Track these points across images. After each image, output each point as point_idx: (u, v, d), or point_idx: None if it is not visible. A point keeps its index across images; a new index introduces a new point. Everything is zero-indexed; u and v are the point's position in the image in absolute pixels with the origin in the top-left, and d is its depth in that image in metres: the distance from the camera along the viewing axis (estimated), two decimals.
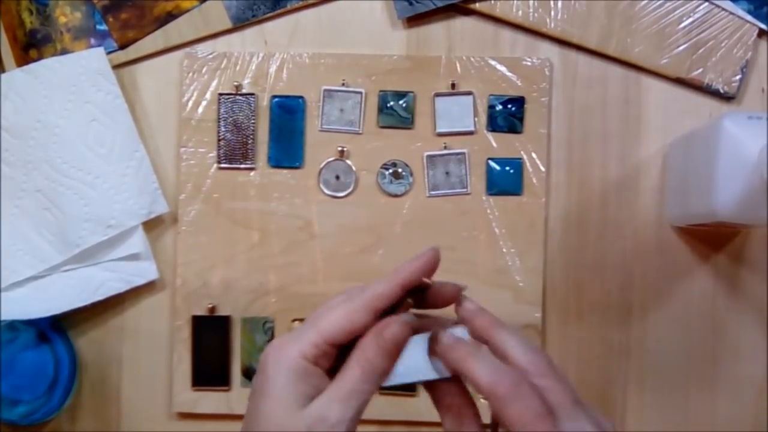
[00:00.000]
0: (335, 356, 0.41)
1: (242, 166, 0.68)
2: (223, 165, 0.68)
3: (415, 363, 0.40)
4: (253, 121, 0.68)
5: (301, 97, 0.68)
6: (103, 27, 0.69)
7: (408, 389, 0.67)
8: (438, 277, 0.67)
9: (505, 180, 0.67)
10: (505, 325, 0.41)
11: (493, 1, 0.67)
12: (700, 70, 0.66)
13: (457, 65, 0.67)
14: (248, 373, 0.68)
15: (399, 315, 0.41)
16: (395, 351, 0.40)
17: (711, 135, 0.56)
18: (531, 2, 0.67)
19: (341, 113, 0.68)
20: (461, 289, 0.43)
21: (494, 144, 0.67)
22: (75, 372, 0.68)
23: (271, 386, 0.39)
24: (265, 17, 0.69)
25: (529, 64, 0.67)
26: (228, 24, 0.69)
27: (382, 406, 0.67)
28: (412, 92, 0.68)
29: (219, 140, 0.68)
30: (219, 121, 0.68)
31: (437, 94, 0.67)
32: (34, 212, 0.68)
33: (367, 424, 0.67)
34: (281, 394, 0.39)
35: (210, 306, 0.68)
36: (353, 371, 0.39)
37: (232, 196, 0.68)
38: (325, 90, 0.68)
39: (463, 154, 0.67)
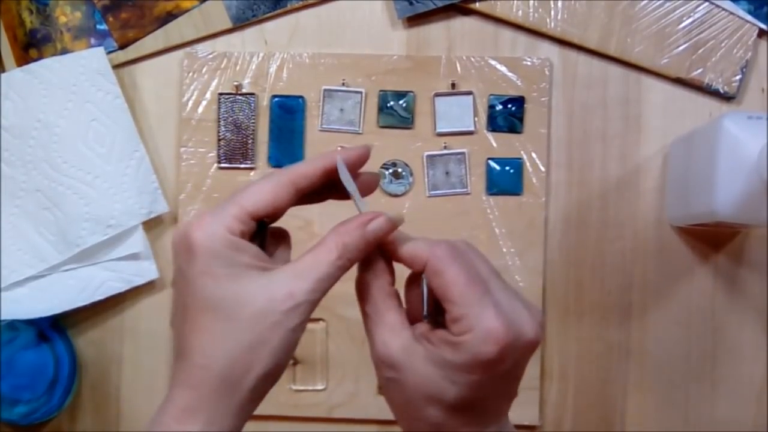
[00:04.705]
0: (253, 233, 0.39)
1: (242, 165, 0.68)
2: (223, 165, 0.68)
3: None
4: (253, 121, 0.68)
5: (301, 96, 0.68)
6: (103, 27, 0.69)
7: None
8: None
9: (505, 180, 0.67)
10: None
11: (493, 1, 0.67)
12: (700, 70, 0.66)
13: (457, 65, 0.67)
14: None
15: (386, 213, 0.39)
16: (373, 245, 0.39)
17: (711, 135, 0.56)
18: (531, 2, 0.67)
19: (341, 113, 0.68)
20: (377, 176, 0.43)
21: (494, 144, 0.67)
22: (75, 372, 0.68)
23: (207, 263, 0.36)
24: (265, 17, 0.69)
25: (529, 64, 0.67)
26: (228, 24, 0.69)
27: (382, 406, 0.67)
28: (412, 92, 0.68)
29: (219, 140, 0.68)
30: (219, 121, 0.68)
31: (437, 94, 0.67)
32: (34, 212, 0.68)
33: (367, 424, 0.67)
34: (223, 268, 0.36)
35: None
36: (330, 253, 0.37)
37: None
38: (325, 90, 0.68)
39: (463, 154, 0.67)
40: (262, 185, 0.38)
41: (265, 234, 0.41)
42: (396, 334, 0.39)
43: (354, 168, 0.41)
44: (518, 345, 0.37)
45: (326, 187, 0.41)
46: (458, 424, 0.39)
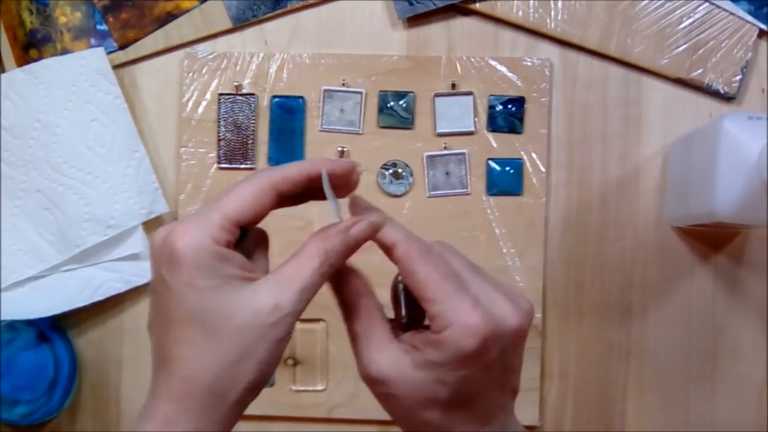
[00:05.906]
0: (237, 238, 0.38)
1: (242, 166, 0.68)
2: (223, 165, 0.68)
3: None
4: (253, 121, 0.68)
5: (301, 97, 0.68)
6: (103, 27, 0.69)
7: None
8: None
9: (505, 180, 0.67)
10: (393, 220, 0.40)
11: (493, 1, 0.67)
12: (701, 70, 0.66)
13: (458, 65, 0.67)
14: None
15: (368, 215, 0.39)
16: (355, 250, 0.39)
17: (711, 135, 0.56)
18: (531, 2, 0.67)
19: (341, 113, 0.68)
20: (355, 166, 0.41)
21: (494, 144, 0.67)
22: (75, 372, 0.68)
23: (192, 275, 0.35)
24: (265, 17, 0.69)
25: (529, 64, 0.67)
26: (228, 24, 0.69)
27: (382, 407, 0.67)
28: (412, 92, 0.68)
29: (219, 140, 0.68)
30: (219, 121, 0.68)
31: (437, 95, 0.67)
32: (34, 212, 0.68)
33: (367, 424, 0.67)
34: (207, 280, 0.35)
35: None
36: (312, 261, 0.37)
37: None
38: (325, 90, 0.68)
39: (463, 154, 0.67)
40: (243, 190, 0.37)
41: (247, 239, 0.40)
42: (382, 350, 0.38)
43: (338, 181, 0.40)
44: (502, 334, 0.37)
45: (308, 192, 0.41)
46: (458, 422, 0.39)
